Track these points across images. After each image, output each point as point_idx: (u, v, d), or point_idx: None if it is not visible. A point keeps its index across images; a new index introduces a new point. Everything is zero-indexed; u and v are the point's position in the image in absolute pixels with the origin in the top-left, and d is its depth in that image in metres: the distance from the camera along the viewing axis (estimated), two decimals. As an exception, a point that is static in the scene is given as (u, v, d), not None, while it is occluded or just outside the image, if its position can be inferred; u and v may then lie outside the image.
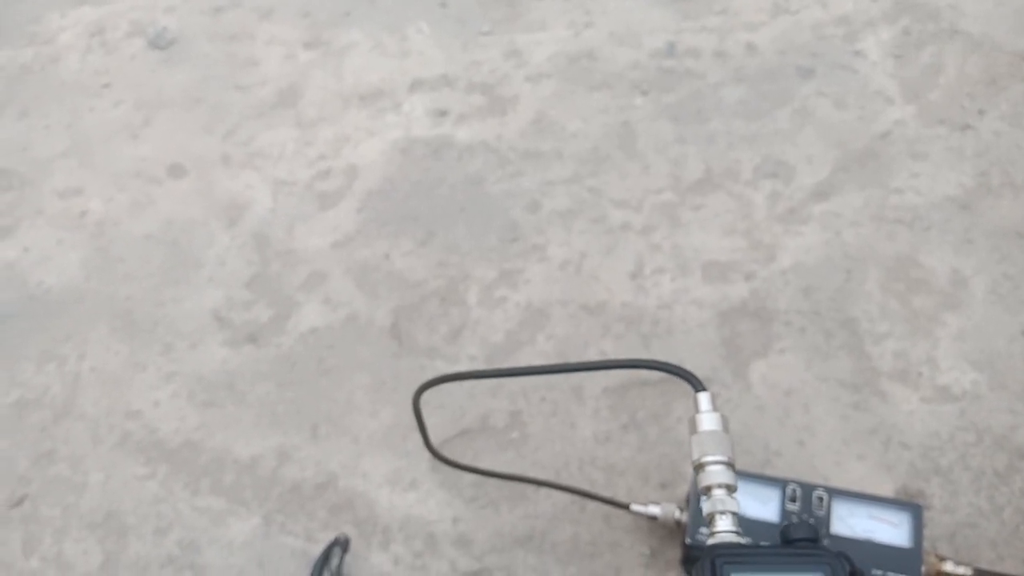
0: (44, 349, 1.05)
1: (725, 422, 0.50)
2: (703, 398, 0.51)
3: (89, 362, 1.04)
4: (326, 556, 0.81)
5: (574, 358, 0.94)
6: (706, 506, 0.48)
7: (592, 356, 0.94)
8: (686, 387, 0.91)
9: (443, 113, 1.26)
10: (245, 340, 1.02)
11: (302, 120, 1.28)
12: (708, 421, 0.50)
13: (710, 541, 0.46)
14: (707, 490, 0.48)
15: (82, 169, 1.25)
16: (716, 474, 0.48)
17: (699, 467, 0.49)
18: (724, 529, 0.47)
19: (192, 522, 0.88)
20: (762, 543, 0.45)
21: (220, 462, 0.92)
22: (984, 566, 0.74)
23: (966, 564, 0.71)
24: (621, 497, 0.83)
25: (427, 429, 0.68)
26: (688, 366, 0.92)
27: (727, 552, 0.44)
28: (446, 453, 0.89)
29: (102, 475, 0.93)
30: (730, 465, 0.49)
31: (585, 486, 0.84)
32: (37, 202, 1.21)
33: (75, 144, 1.28)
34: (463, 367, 0.95)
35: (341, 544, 0.82)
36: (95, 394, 1.00)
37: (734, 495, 0.48)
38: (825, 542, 0.70)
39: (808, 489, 0.73)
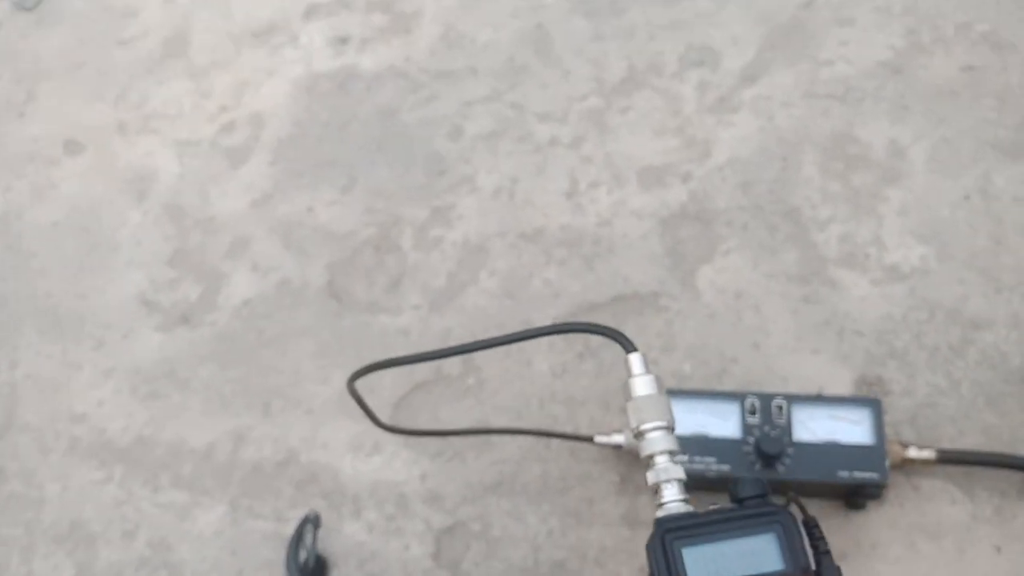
0: (-31, 363, 0.99)
1: (660, 383, 0.48)
2: (635, 359, 0.49)
3: (22, 369, 0.99)
4: (299, 535, 0.80)
5: (519, 292, 0.91)
6: (650, 476, 0.46)
7: (537, 287, 0.91)
8: (637, 303, 0.89)
9: (344, 40, 1.17)
10: (177, 322, 0.97)
11: (194, 69, 1.19)
12: (642, 385, 0.48)
13: (658, 513, 0.45)
14: (649, 459, 0.46)
15: (-33, 160, 1.15)
16: (657, 441, 0.46)
17: (639, 435, 0.47)
18: (671, 499, 0.45)
19: (158, 520, 0.86)
20: (711, 506, 0.44)
21: (176, 454, 0.89)
22: (946, 445, 0.75)
23: (929, 447, 0.72)
24: (585, 427, 0.83)
25: (370, 407, 0.65)
26: (634, 282, 0.90)
27: (676, 526, 0.43)
28: (403, 411, 0.87)
29: (58, 485, 0.90)
30: (670, 428, 0.47)
31: (547, 422, 0.83)
32: (-74, 205, 1.12)
33: (-46, 133, 1.18)
34: (407, 319, 0.92)
35: (312, 520, 0.81)
36: (35, 402, 0.96)
37: (677, 460, 0.46)
38: (789, 451, 0.70)
39: (767, 399, 0.73)
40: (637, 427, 0.47)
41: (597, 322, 0.51)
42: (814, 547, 0.44)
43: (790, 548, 0.42)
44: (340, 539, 0.81)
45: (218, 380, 0.93)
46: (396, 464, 0.84)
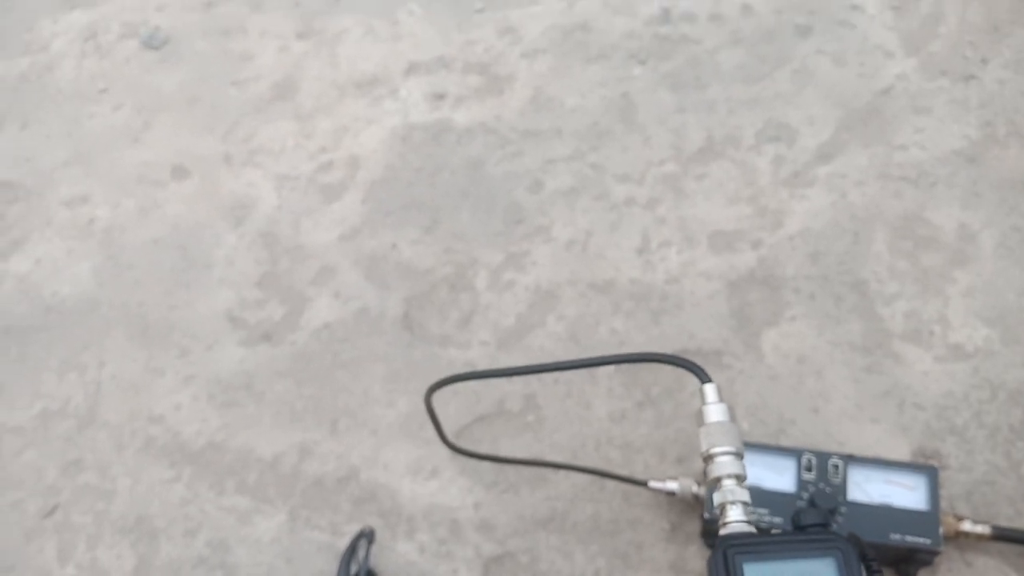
0: (64, 359, 1.06)
1: (732, 412, 0.51)
2: (709, 389, 0.52)
3: (109, 370, 1.05)
4: (353, 548, 0.83)
5: (585, 338, 0.95)
6: (716, 497, 0.48)
7: (603, 335, 0.95)
8: (700, 360, 0.91)
9: (440, 96, 1.25)
10: (260, 339, 1.03)
11: (300, 113, 1.28)
12: (715, 412, 0.51)
13: (722, 532, 0.47)
14: (717, 481, 0.49)
15: (86, 177, 1.25)
16: (725, 465, 0.49)
17: (708, 458, 0.50)
18: (735, 519, 0.47)
19: (220, 522, 0.90)
20: (774, 531, 0.46)
21: (243, 461, 0.94)
22: (1003, 523, 0.74)
23: (984, 522, 0.72)
24: (639, 474, 0.84)
25: (441, 424, 0.69)
26: (699, 339, 0.92)
27: (739, 542, 0.45)
28: (463, 440, 0.90)
29: (129, 480, 0.95)
30: (738, 455, 0.49)
31: (603, 465, 0.85)
32: (44, 213, 1.22)
33: (77, 152, 1.29)
34: (475, 353, 0.96)
35: (367, 536, 0.83)
36: (117, 401, 1.02)
37: (744, 484, 0.49)
38: (842, 510, 0.71)
39: (823, 457, 0.74)
40: (708, 450, 0.50)
41: (677, 355, 0.54)
42: None
43: (848, 573, 0.43)
44: (392, 557, 0.83)
45: (291, 395, 0.97)
46: (452, 490, 0.87)
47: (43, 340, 1.08)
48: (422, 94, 1.25)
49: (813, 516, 0.45)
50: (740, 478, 0.49)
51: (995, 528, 0.71)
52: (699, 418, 0.51)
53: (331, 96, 1.29)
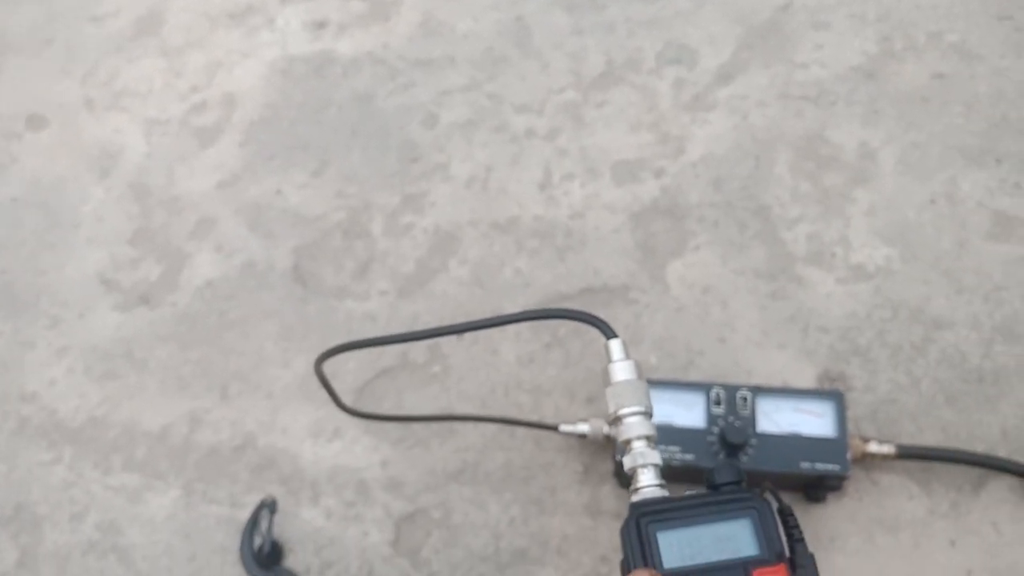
0: (-83, 337, 0.96)
1: (639, 369, 0.48)
2: (615, 346, 0.48)
3: (-29, 345, 0.96)
4: (254, 520, 0.79)
5: (489, 281, 0.91)
6: (627, 461, 0.46)
7: (508, 276, 0.91)
8: (606, 296, 0.89)
9: (321, 24, 1.16)
10: (137, 302, 0.95)
11: (167, 48, 1.17)
12: (622, 370, 0.47)
13: (634, 498, 0.45)
14: (627, 443, 0.46)
15: (-75, 131, 1.12)
16: (634, 426, 0.46)
17: (616, 420, 0.47)
18: (647, 483, 0.45)
19: (108, 503, 0.84)
20: (687, 492, 0.44)
21: (129, 436, 0.87)
22: (905, 440, 0.75)
23: (889, 442, 0.72)
24: (550, 417, 0.82)
25: (335, 389, 0.64)
26: (605, 275, 0.90)
27: (651, 510, 0.43)
28: (366, 397, 0.86)
29: (4, 466, 0.88)
30: (647, 415, 0.47)
31: (512, 410, 0.83)
32: None
33: (-88, 103, 1.14)
34: (374, 304, 0.91)
35: (268, 506, 0.79)
36: (-17, 379, 0.93)
37: (654, 445, 0.46)
38: (752, 442, 0.70)
39: (731, 390, 0.73)
40: (615, 412, 0.47)
41: (581, 309, 0.51)
42: (788, 535, 0.44)
43: (765, 534, 0.42)
44: (297, 525, 0.79)
45: (176, 361, 0.90)
46: (357, 450, 0.83)
47: None
48: (301, 22, 1.16)
49: (727, 474, 0.43)
50: (651, 439, 0.46)
51: (899, 447, 0.72)
52: (605, 377, 0.48)
53: (201, 28, 1.18)
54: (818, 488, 0.71)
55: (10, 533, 0.83)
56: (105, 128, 1.10)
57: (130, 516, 0.82)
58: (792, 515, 0.45)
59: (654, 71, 1.03)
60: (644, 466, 0.45)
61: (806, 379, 0.80)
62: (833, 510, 0.73)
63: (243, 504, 0.81)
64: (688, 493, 0.44)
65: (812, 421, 0.71)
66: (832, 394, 0.72)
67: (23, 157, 1.11)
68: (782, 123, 0.96)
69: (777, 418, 0.71)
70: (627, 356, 0.48)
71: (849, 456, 0.70)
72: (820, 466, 0.69)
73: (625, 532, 0.43)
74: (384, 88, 1.08)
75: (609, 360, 0.48)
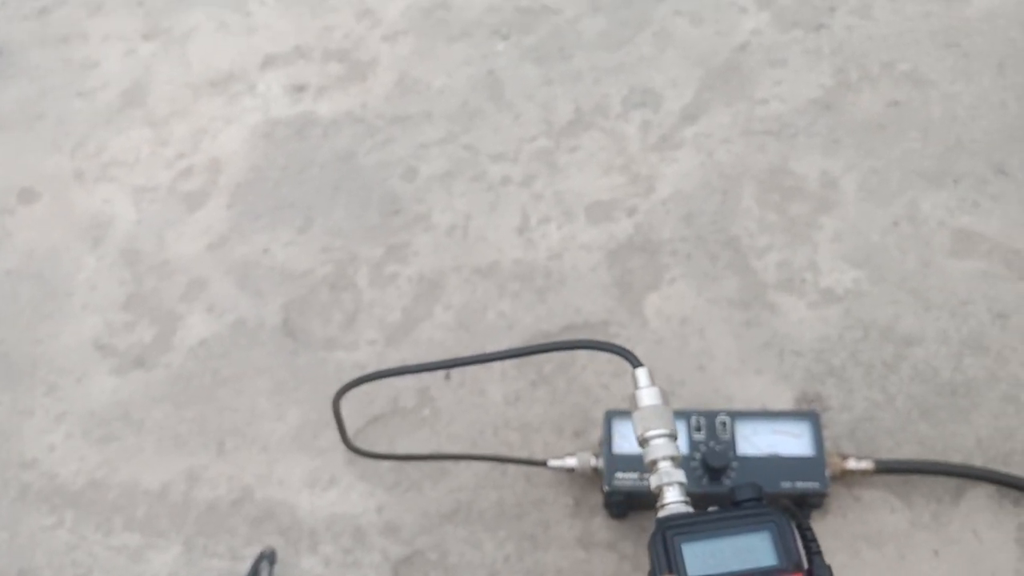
0: (-83, 412, 0.98)
1: (665, 395, 0.51)
2: (641, 374, 0.52)
3: (-30, 417, 0.97)
4: (254, 572, 0.80)
5: (473, 325, 0.93)
6: (653, 480, 0.49)
7: (491, 319, 0.93)
8: (588, 332, 0.92)
9: (301, 88, 1.20)
10: (132, 365, 0.97)
11: (153, 118, 1.21)
12: (648, 396, 0.51)
13: (660, 514, 0.48)
14: (653, 464, 0.49)
15: (-79, 211, 1.15)
16: (660, 447, 0.49)
17: (643, 442, 0.50)
18: (672, 500, 0.48)
19: (111, 563, 0.85)
20: (710, 508, 0.47)
21: (129, 496, 0.89)
22: (884, 455, 0.77)
23: (867, 458, 0.75)
24: (539, 453, 0.84)
25: (345, 428, 0.67)
26: (585, 312, 0.93)
27: (676, 523, 0.45)
28: (359, 443, 0.87)
29: (6, 533, 0.89)
30: (672, 436, 0.50)
31: (502, 449, 0.85)
32: None
33: (-93, 184, 1.18)
34: (363, 354, 0.93)
35: (268, 557, 0.80)
36: (-17, 449, 0.95)
37: (679, 466, 0.49)
38: (734, 464, 0.72)
39: (711, 416, 0.75)
40: (642, 434, 0.50)
41: (606, 340, 0.54)
42: (807, 547, 0.46)
43: (784, 546, 0.44)
44: (297, 574, 0.81)
45: (172, 420, 0.92)
46: (352, 497, 0.84)
47: None
48: (281, 87, 1.20)
49: (747, 492, 0.46)
50: (675, 459, 0.49)
51: (878, 462, 0.74)
52: (632, 402, 0.51)
53: (185, 98, 1.22)
54: (800, 506, 0.73)
55: (14, 600, 0.84)
56: (95, 198, 1.14)
57: (132, 575, 0.84)
58: (810, 529, 0.47)
59: (621, 115, 1.07)
60: (670, 484, 0.49)
61: (784, 402, 0.83)
62: (818, 527, 0.75)
63: (243, 556, 0.82)
64: (711, 509, 0.47)
65: (790, 441, 0.73)
66: (808, 414, 0.75)
67: (16, 231, 1.14)
68: (746, 158, 1.00)
69: (756, 440, 0.74)
70: (652, 383, 0.52)
71: (828, 473, 0.72)
72: (800, 484, 0.71)
73: (652, 544, 0.46)
74: (364, 145, 1.12)
75: (636, 387, 0.52)
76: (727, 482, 0.72)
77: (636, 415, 0.51)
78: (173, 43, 1.29)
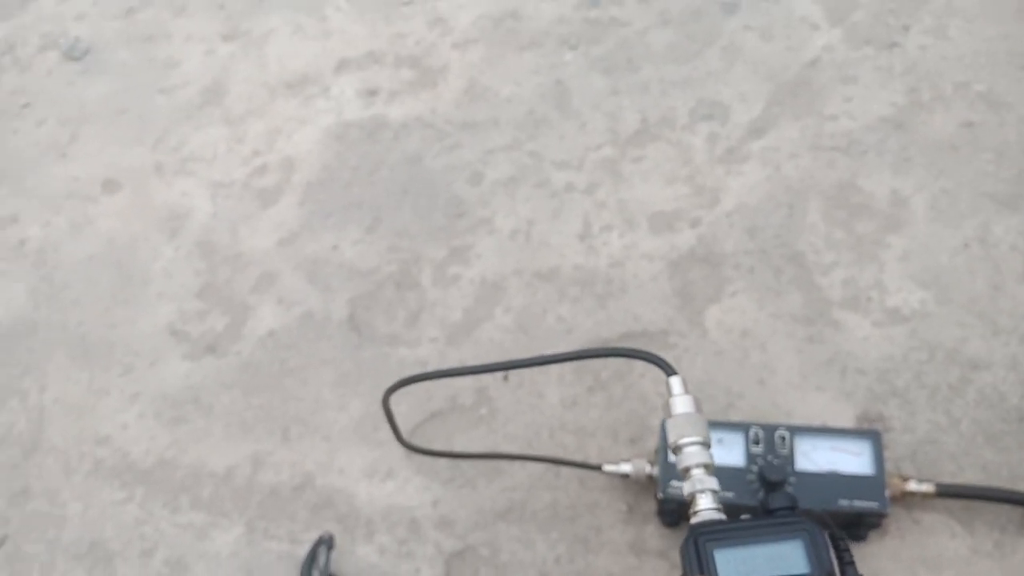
0: (3, 385, 1.03)
1: (698, 403, 0.52)
2: (675, 382, 0.52)
3: (51, 393, 1.02)
4: (313, 556, 0.82)
5: (533, 328, 0.95)
6: (687, 487, 0.49)
7: (550, 323, 0.95)
8: (646, 340, 0.92)
9: (373, 92, 1.23)
10: (204, 351, 1.01)
11: (231, 117, 1.26)
12: (682, 404, 0.51)
13: (693, 520, 0.48)
14: (686, 471, 0.50)
15: (14, 196, 1.22)
16: (693, 455, 0.50)
17: (676, 449, 0.50)
18: (705, 507, 0.48)
19: (176, 540, 0.88)
20: (743, 516, 0.47)
21: (196, 477, 0.92)
22: (946, 479, 0.76)
23: (928, 480, 0.74)
24: (593, 458, 0.85)
25: (398, 424, 0.68)
26: (644, 320, 0.93)
27: (709, 530, 0.46)
28: (418, 438, 0.90)
29: (80, 505, 0.93)
30: (706, 444, 0.50)
31: (557, 452, 0.86)
32: (-29, 237, 1.18)
33: (2, 170, 1.24)
34: (425, 351, 0.96)
35: (326, 542, 0.83)
36: (62, 425, 0.99)
37: (712, 472, 0.49)
38: (791, 479, 0.72)
39: (770, 430, 0.75)
40: (675, 442, 0.51)
41: (642, 349, 0.55)
42: (839, 558, 0.46)
43: (816, 554, 0.44)
44: (353, 561, 0.83)
45: (240, 407, 0.96)
46: (409, 490, 0.86)
47: (-22, 368, 1.05)
48: (354, 91, 1.24)
49: (781, 500, 0.46)
50: (708, 467, 0.50)
51: (939, 486, 0.73)
52: (666, 410, 0.52)
53: (261, 98, 1.26)
54: (858, 526, 0.73)
55: (85, 568, 0.88)
56: (174, 191, 1.19)
57: (197, 552, 0.87)
58: (843, 539, 0.47)
59: (688, 127, 1.08)
60: (703, 491, 0.49)
61: (845, 420, 0.82)
62: (876, 548, 0.75)
63: (302, 541, 0.85)
64: (744, 517, 0.47)
65: (850, 459, 0.73)
66: (869, 433, 0.74)
67: (99, 219, 1.19)
68: (814, 173, 1.00)
69: (815, 456, 0.74)
70: (686, 390, 0.52)
71: (887, 494, 0.71)
72: (859, 503, 0.71)
73: (684, 550, 0.46)
74: (432, 149, 1.15)
75: (670, 395, 0.52)
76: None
77: (670, 423, 0.52)
78: (252, 45, 1.34)
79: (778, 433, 0.75)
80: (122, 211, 1.19)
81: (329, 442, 0.91)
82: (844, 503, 0.71)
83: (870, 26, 1.13)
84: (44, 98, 1.33)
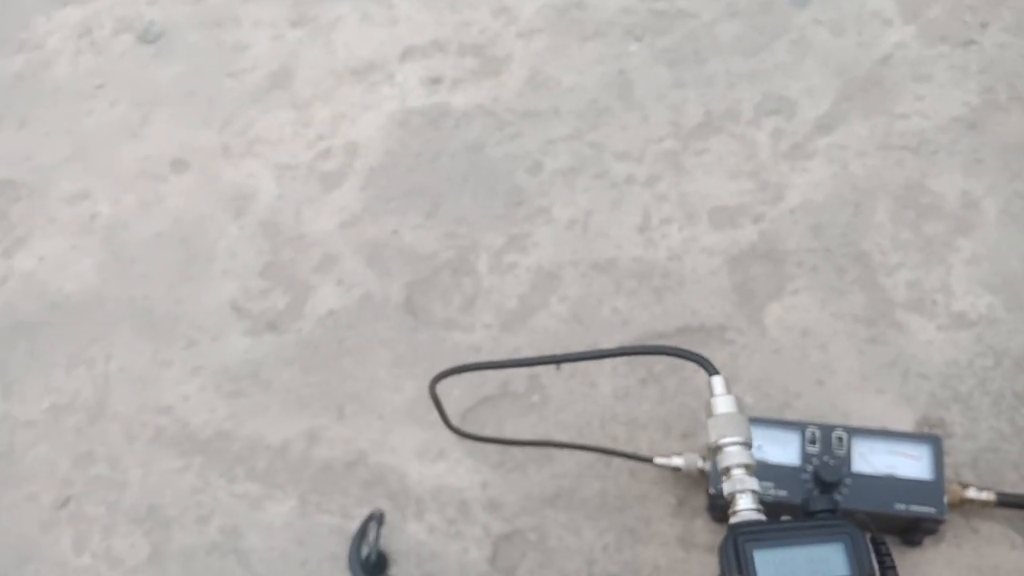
0: (72, 354, 1.07)
1: (740, 403, 0.52)
2: (717, 381, 0.52)
3: (116, 363, 1.06)
4: (363, 531, 0.84)
5: (588, 318, 0.95)
6: (726, 487, 0.49)
7: (606, 315, 0.95)
8: (703, 336, 0.92)
9: (437, 80, 1.25)
10: (265, 328, 1.04)
11: (297, 101, 1.28)
12: (723, 404, 0.51)
13: (732, 520, 0.48)
14: (726, 471, 0.50)
15: (87, 173, 1.26)
16: (734, 455, 0.50)
17: (717, 449, 0.50)
18: (744, 507, 0.48)
19: (231, 509, 0.91)
20: (783, 517, 0.47)
21: (252, 449, 0.94)
22: (1007, 489, 0.74)
23: (989, 489, 0.72)
24: (644, 450, 0.84)
25: (445, 409, 0.69)
26: (702, 315, 0.93)
27: (749, 530, 0.45)
28: (469, 422, 0.91)
29: (140, 471, 0.96)
30: (747, 445, 0.50)
31: (608, 442, 0.86)
32: (46, 210, 1.23)
33: (77, 148, 1.29)
34: (479, 336, 0.96)
35: (376, 518, 0.84)
36: (125, 393, 1.03)
37: (752, 473, 0.49)
38: (847, 481, 0.71)
39: (827, 430, 0.74)
40: (716, 441, 0.51)
41: (685, 348, 0.55)
42: (880, 562, 0.46)
43: (857, 558, 0.44)
44: (402, 538, 0.84)
45: (298, 383, 0.98)
46: (459, 471, 0.87)
47: (51, 336, 1.09)
48: (418, 78, 1.25)
49: (822, 502, 0.46)
50: (749, 467, 0.49)
51: (1000, 495, 0.71)
52: (708, 409, 0.52)
53: (327, 83, 1.28)
54: (914, 531, 0.71)
55: (143, 531, 0.91)
56: (240, 172, 1.21)
57: (250, 522, 0.89)
58: (884, 543, 0.46)
59: (753, 121, 1.06)
60: (743, 491, 0.49)
61: (905, 424, 0.80)
62: (931, 555, 0.73)
63: (353, 516, 0.86)
64: (784, 518, 0.47)
65: (908, 463, 0.71)
66: (929, 437, 0.73)
67: (167, 197, 1.23)
68: (882, 172, 0.98)
69: (872, 459, 0.72)
70: (728, 391, 0.52)
71: (946, 500, 0.69)
72: (915, 508, 0.69)
73: (723, 550, 0.46)
74: (493, 138, 1.15)
75: (711, 394, 0.52)
76: (839, 498, 0.71)
77: (711, 422, 0.51)
78: (319, 31, 1.36)
79: (835, 434, 0.74)
80: (190, 190, 1.22)
81: (383, 421, 0.93)
82: (900, 507, 0.69)
83: (946, 23, 1.10)
84: (118, 80, 1.37)
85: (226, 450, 0.95)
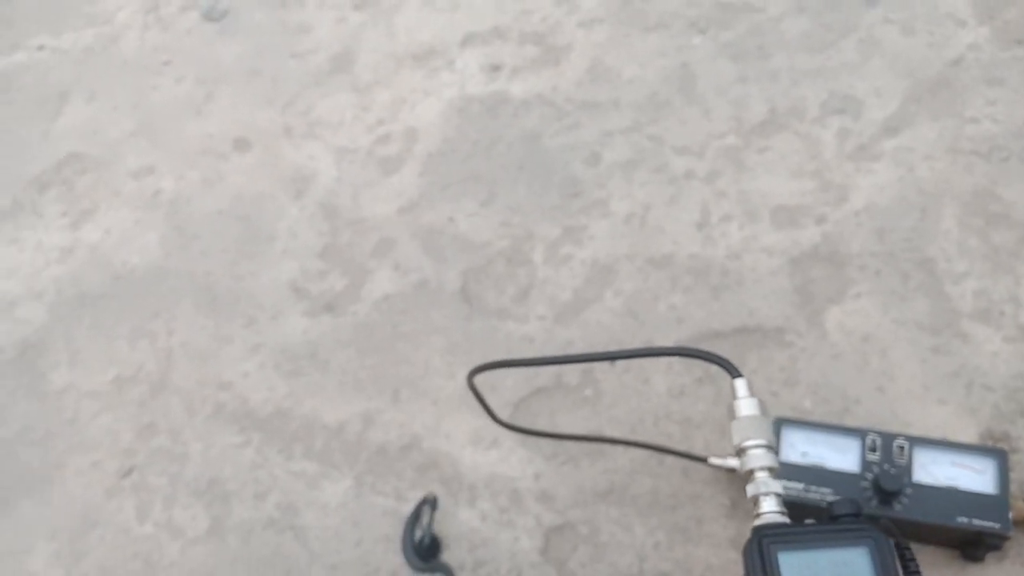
0: (135, 327, 1.10)
1: (763, 406, 0.52)
2: (740, 384, 0.53)
3: (178, 337, 1.09)
4: (417, 514, 0.86)
5: (643, 313, 0.95)
6: (750, 489, 0.49)
7: (661, 310, 0.95)
8: (761, 337, 0.91)
9: (497, 68, 1.25)
10: (323, 310, 1.05)
11: (358, 85, 1.29)
12: (747, 407, 0.52)
13: (756, 522, 0.48)
14: (750, 473, 0.50)
15: (152, 148, 1.29)
16: (757, 457, 0.50)
17: (741, 451, 0.50)
18: (769, 510, 0.48)
19: (289, 486, 0.93)
20: (807, 521, 0.47)
21: (309, 428, 0.97)
22: (1073, 507, 0.73)
23: (1054, 506, 0.71)
24: (698, 450, 0.85)
25: (489, 404, 0.70)
26: (760, 315, 0.92)
27: (773, 532, 0.46)
28: (521, 412, 0.91)
29: (201, 445, 0.99)
30: (770, 448, 0.50)
31: (662, 440, 0.86)
32: (113, 184, 1.26)
33: (143, 124, 1.32)
34: (532, 327, 0.97)
35: (430, 502, 0.86)
36: (187, 368, 1.06)
37: (776, 476, 0.49)
38: (907, 491, 0.71)
39: (888, 438, 0.73)
40: (740, 444, 0.51)
41: (708, 350, 0.55)
42: (904, 567, 0.46)
43: (881, 563, 0.44)
44: (455, 523, 0.86)
45: (354, 365, 1.00)
46: (512, 460, 0.88)
47: (114, 308, 1.12)
48: (478, 65, 1.25)
49: (845, 507, 0.46)
50: (772, 470, 0.50)
51: (1065, 512, 0.70)
52: (731, 412, 0.52)
53: (388, 68, 1.29)
54: (976, 546, 0.71)
55: (204, 503, 0.94)
56: (301, 153, 1.23)
57: (307, 500, 0.91)
58: (909, 549, 0.46)
59: (818, 120, 1.05)
60: (767, 494, 0.49)
61: (967, 436, 0.79)
62: (993, 571, 0.72)
63: (407, 499, 0.88)
64: (808, 522, 0.47)
65: (971, 476, 0.71)
66: (994, 451, 0.72)
67: (229, 175, 1.25)
68: (951, 177, 0.96)
69: (934, 470, 0.72)
70: (751, 394, 0.52)
71: (1011, 515, 0.69)
72: (978, 522, 0.69)
73: (748, 551, 0.46)
74: (551, 128, 1.15)
75: (734, 397, 0.52)
76: (899, 508, 0.70)
77: (734, 424, 0.52)
78: (381, 15, 1.37)
79: (897, 442, 0.73)
80: (251, 169, 1.24)
81: (437, 407, 0.94)
82: (963, 520, 0.69)
83: (1022, 24, 1.07)
84: (183, 57, 1.39)
85: (284, 428, 0.97)
